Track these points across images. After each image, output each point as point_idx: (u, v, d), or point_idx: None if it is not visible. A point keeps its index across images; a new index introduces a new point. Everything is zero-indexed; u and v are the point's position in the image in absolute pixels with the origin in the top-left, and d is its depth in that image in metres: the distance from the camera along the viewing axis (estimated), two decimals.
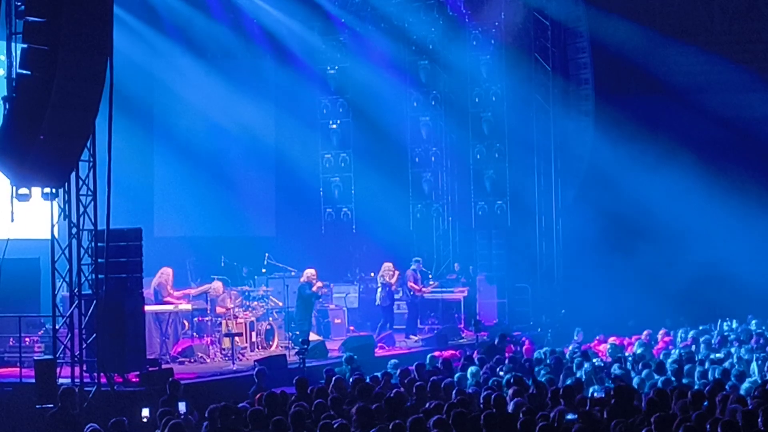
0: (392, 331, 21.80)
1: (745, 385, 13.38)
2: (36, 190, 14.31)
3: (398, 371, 15.35)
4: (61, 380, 14.40)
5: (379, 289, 22.10)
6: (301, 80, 26.16)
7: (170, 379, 14.39)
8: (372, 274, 23.15)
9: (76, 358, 14.74)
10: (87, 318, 14.90)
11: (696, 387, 13.17)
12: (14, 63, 13.95)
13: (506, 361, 16.29)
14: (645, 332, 20.15)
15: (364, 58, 25.92)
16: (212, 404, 11.87)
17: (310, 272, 20.35)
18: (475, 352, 18.26)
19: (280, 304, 20.98)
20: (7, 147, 13.77)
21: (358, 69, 26.05)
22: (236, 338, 18.67)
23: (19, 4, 14.13)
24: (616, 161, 25.07)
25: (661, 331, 20.50)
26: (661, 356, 16.90)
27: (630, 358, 16.71)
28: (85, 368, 14.81)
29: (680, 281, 24.63)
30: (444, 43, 25.62)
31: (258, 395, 13.05)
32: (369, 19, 25.91)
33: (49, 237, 14.79)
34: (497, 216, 25.61)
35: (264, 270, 22.68)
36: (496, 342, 18.35)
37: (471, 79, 25.78)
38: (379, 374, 14.98)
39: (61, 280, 14.90)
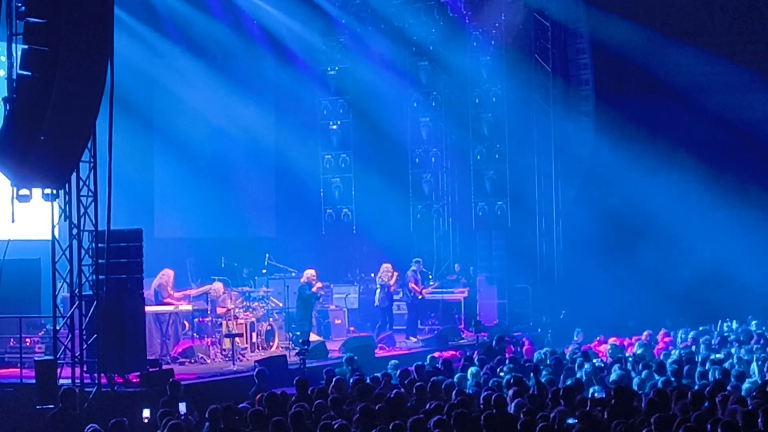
0: (392, 331, 21.81)
1: (745, 385, 13.39)
2: (36, 191, 14.31)
3: (398, 372, 15.36)
4: (61, 381, 14.41)
5: (378, 290, 22.10)
6: (301, 81, 26.17)
7: (171, 379, 14.39)
8: (372, 275, 23.15)
9: (76, 359, 14.74)
10: (87, 319, 14.91)
11: (696, 387, 13.17)
12: (15, 64, 13.96)
13: (507, 362, 16.29)
14: (645, 333, 20.15)
15: (365, 59, 25.94)
16: (213, 405, 11.88)
17: (310, 273, 20.36)
18: (476, 352, 18.27)
19: (281, 304, 20.99)
20: (8, 148, 13.78)
21: (359, 70, 26.07)
22: (237, 339, 18.68)
23: (19, 5, 14.13)
24: (616, 162, 25.08)
25: (661, 332, 20.51)
26: (662, 357, 16.90)
27: (630, 359, 16.72)
28: (85, 369, 14.81)
29: (680, 282, 24.62)
30: (444, 44, 25.63)
31: (258, 396, 13.06)
32: (369, 19, 25.93)
33: (49, 238, 14.79)
34: (497, 217, 25.63)
35: (264, 271, 22.69)
36: (494, 344, 18.33)
37: (471, 80, 25.79)
38: (379, 375, 14.98)
39: (62, 280, 14.90)
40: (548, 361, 16.30)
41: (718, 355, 16.92)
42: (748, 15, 27.23)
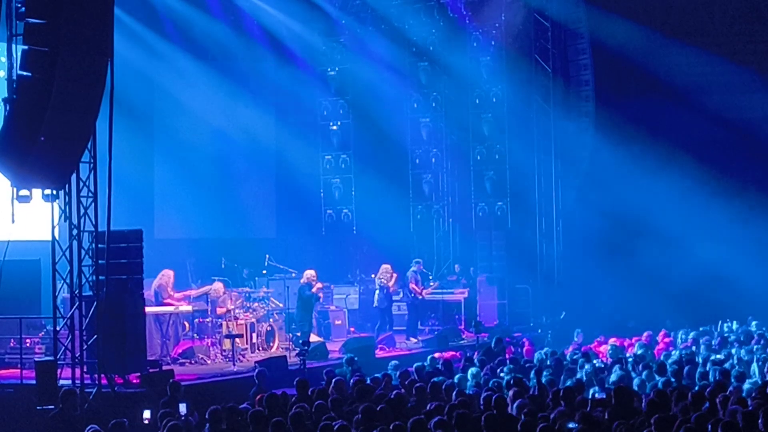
0: (392, 332, 21.81)
1: (746, 386, 13.39)
2: (36, 192, 14.32)
3: (398, 372, 15.35)
4: (61, 382, 14.42)
5: (377, 291, 22.10)
6: (301, 81, 26.18)
7: (171, 380, 14.39)
8: (373, 276, 23.16)
9: (76, 360, 14.75)
10: (88, 319, 14.92)
11: (696, 388, 13.16)
12: (15, 64, 13.96)
13: (507, 363, 16.28)
14: (645, 333, 20.15)
15: (365, 60, 25.94)
16: (213, 406, 11.89)
17: (310, 273, 20.36)
18: (476, 353, 18.27)
19: (281, 305, 20.99)
20: (8, 148, 13.78)
21: (359, 70, 26.07)
22: (237, 339, 18.68)
23: (19, 5, 14.14)
24: (616, 162, 25.06)
25: (662, 333, 20.51)
26: (662, 357, 16.89)
27: (630, 360, 16.71)
28: (85, 369, 14.82)
29: (681, 282, 24.59)
30: (444, 45, 25.61)
31: (258, 396, 13.05)
32: (369, 20, 25.93)
33: (49, 238, 14.80)
34: (498, 217, 25.63)
35: (264, 271, 22.69)
36: (492, 346, 18.31)
37: (471, 80, 25.78)
38: (379, 375, 14.98)
39: (62, 281, 14.91)
40: (548, 362, 16.29)
41: (718, 356, 16.91)
42: (748, 15, 27.21)
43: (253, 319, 19.82)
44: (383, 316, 21.95)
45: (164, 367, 16.35)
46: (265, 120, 25.88)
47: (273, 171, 26.83)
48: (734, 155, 26.46)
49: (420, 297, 22.61)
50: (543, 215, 26.08)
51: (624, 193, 25.09)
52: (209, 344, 19.08)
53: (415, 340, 21.89)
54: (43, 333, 17.57)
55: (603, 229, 25.11)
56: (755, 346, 18.06)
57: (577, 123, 26.11)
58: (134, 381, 15.25)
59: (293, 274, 21.66)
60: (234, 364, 17.80)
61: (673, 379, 14.20)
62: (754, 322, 21.42)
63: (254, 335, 19.72)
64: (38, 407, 13.82)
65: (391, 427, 10.38)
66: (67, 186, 14.61)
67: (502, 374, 14.95)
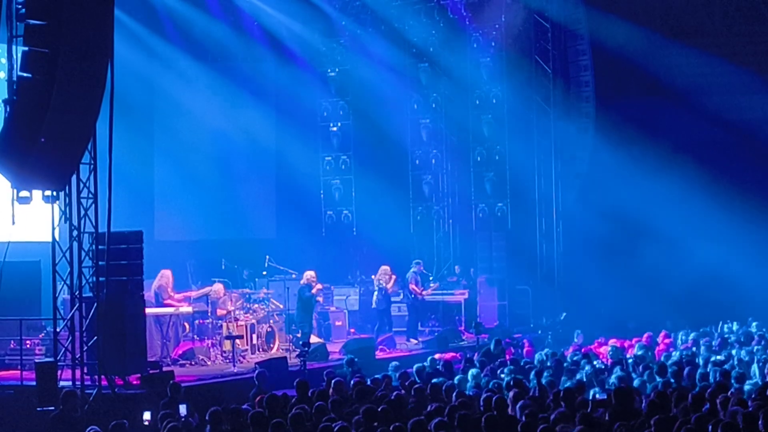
0: (393, 333, 21.80)
1: (746, 387, 13.38)
2: (37, 193, 14.32)
3: (398, 374, 15.35)
4: (61, 383, 14.42)
5: (376, 292, 22.10)
6: (301, 82, 26.18)
7: (171, 381, 14.40)
8: (373, 277, 23.16)
9: (77, 361, 14.75)
10: (88, 321, 14.92)
11: (697, 389, 13.16)
12: (15, 66, 13.96)
13: (508, 364, 16.27)
14: (646, 334, 20.13)
15: (365, 61, 25.94)
16: (213, 407, 11.89)
17: (309, 274, 20.34)
18: (476, 354, 18.26)
19: (281, 306, 20.99)
20: (8, 150, 13.78)
21: (359, 71, 26.09)
22: (237, 341, 18.68)
23: (20, 6, 14.13)
24: (616, 163, 25.06)
25: (662, 334, 20.49)
26: (662, 358, 16.89)
27: (631, 361, 16.70)
28: (86, 371, 14.82)
29: (681, 283, 24.58)
30: (444, 46, 25.61)
31: (258, 398, 13.05)
32: (369, 21, 25.93)
33: (49, 240, 14.80)
34: (498, 218, 25.62)
35: (265, 272, 22.69)
36: (492, 348, 18.30)
37: (471, 81, 25.78)
38: (379, 376, 14.98)
39: (62, 282, 14.91)
40: (549, 363, 16.29)
41: (718, 357, 16.90)
42: (748, 16, 27.21)
43: (254, 320, 19.82)
44: (382, 318, 21.95)
45: (164, 369, 16.35)
46: (265, 121, 25.88)
47: (273, 172, 26.83)
48: (734, 156, 26.45)
49: (420, 298, 22.61)
50: (543, 216, 26.09)
51: (624, 194, 25.08)
52: (209, 345, 19.08)
53: (416, 342, 21.88)
54: (43, 334, 17.59)
55: (603, 230, 25.10)
56: (755, 347, 18.05)
57: (577, 124, 26.12)
58: (134, 382, 15.25)
59: (293, 275, 21.67)
60: (234, 366, 17.80)
61: (673, 380, 14.20)
62: (754, 323, 21.41)
63: (254, 336, 19.72)
64: (38, 408, 13.83)
65: (391, 429, 10.38)
66: (67, 187, 14.61)
67: (502, 375, 14.94)
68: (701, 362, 16.21)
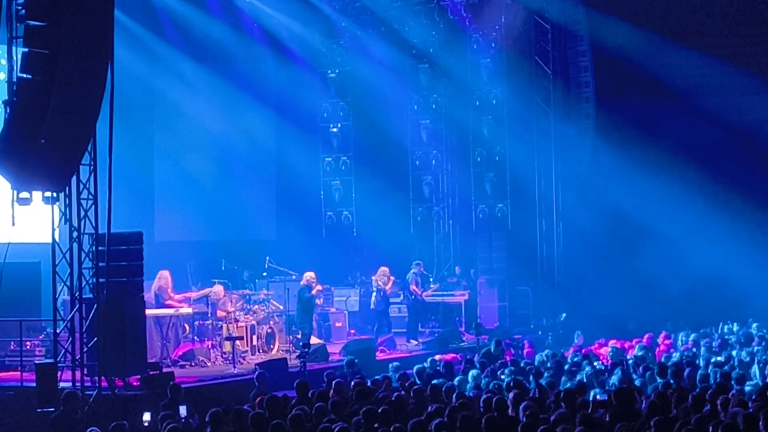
0: (393, 334, 21.80)
1: (747, 388, 13.37)
2: (37, 194, 14.31)
3: (398, 375, 15.34)
4: (61, 384, 14.42)
5: (374, 293, 22.10)
6: (301, 83, 26.21)
7: (171, 382, 14.39)
8: (373, 278, 23.16)
9: (77, 362, 14.74)
10: (88, 322, 14.91)
11: (697, 390, 13.15)
12: (15, 67, 13.96)
13: (508, 365, 16.27)
14: (646, 335, 20.14)
15: (365, 62, 25.95)
16: (213, 408, 11.88)
17: (309, 275, 20.33)
18: (476, 355, 18.25)
19: (281, 307, 20.99)
20: (8, 151, 13.78)
21: (359, 72, 26.09)
22: (237, 342, 18.68)
23: (20, 8, 14.13)
24: (616, 164, 25.06)
25: (662, 334, 20.50)
26: (662, 359, 16.88)
27: (631, 361, 16.70)
28: (86, 372, 14.81)
29: (681, 284, 24.58)
30: (444, 47, 25.61)
31: (259, 399, 13.04)
32: (369, 22, 25.94)
33: (49, 241, 14.80)
34: (498, 219, 25.62)
35: (265, 273, 22.69)
36: (492, 349, 18.30)
37: (471, 82, 25.78)
38: (379, 377, 14.97)
39: (62, 283, 14.90)
40: (549, 364, 16.29)
41: (718, 358, 16.90)
42: (747, 17, 27.20)
43: (254, 322, 19.82)
44: (380, 319, 21.96)
45: (164, 370, 16.34)
46: (265, 122, 25.89)
47: (273, 173, 26.84)
48: (734, 157, 26.46)
49: (420, 299, 22.61)
50: (543, 217, 26.08)
51: (624, 195, 25.08)
52: (209, 346, 19.08)
53: (416, 343, 21.88)
54: (43, 335, 17.57)
55: (603, 230, 25.11)
56: (756, 348, 18.05)
57: (577, 125, 26.12)
58: (134, 383, 15.24)
59: (293, 276, 21.67)
60: (234, 367, 17.79)
61: (673, 381, 14.19)
62: (754, 324, 21.41)
63: (254, 337, 19.71)
64: (39, 410, 13.82)
65: (391, 430, 10.38)
66: (67, 188, 14.61)
67: (502, 376, 14.93)
68: (702, 363, 16.22)
